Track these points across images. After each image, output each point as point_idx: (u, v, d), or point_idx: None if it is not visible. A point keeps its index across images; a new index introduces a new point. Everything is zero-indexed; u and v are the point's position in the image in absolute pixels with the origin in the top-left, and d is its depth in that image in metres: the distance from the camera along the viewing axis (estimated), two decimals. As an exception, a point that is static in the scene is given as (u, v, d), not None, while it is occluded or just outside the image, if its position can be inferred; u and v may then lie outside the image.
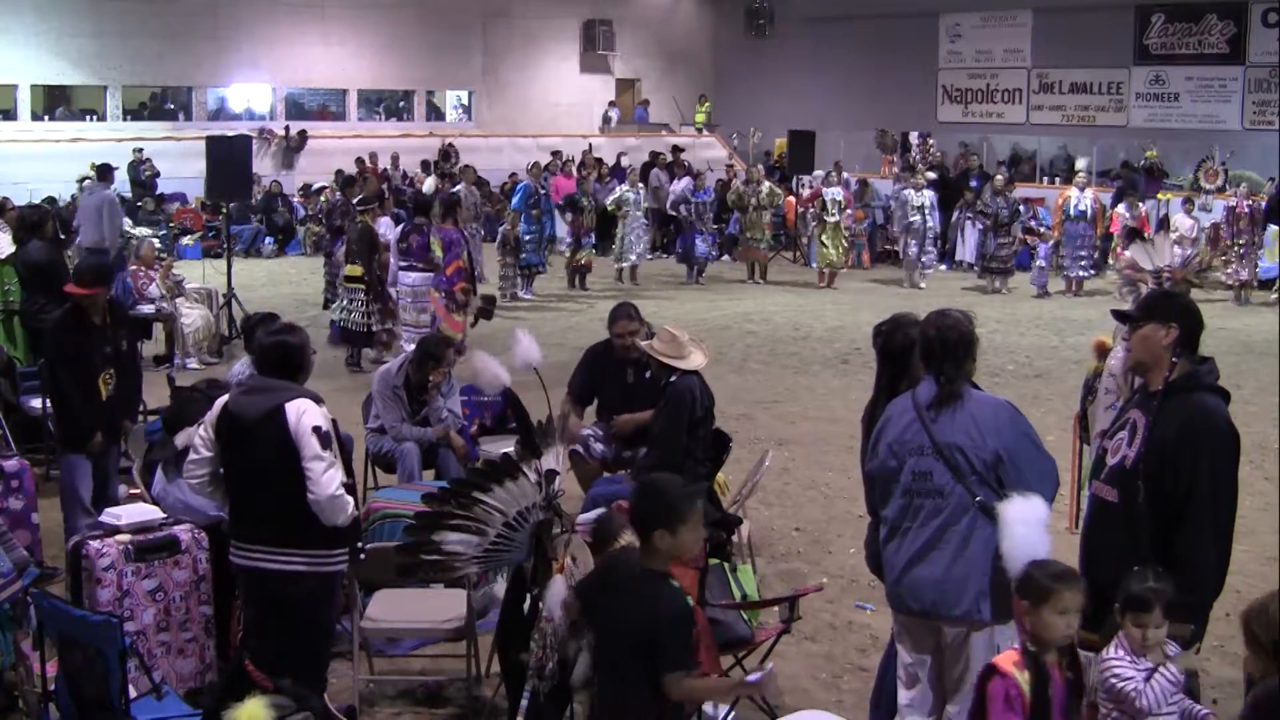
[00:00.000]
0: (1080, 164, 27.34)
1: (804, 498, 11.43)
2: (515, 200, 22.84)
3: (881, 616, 7.27)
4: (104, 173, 20.75)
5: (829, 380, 16.13)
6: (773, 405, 14.75)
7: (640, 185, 25.91)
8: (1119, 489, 5.55)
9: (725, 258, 27.50)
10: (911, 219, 24.48)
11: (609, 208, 25.37)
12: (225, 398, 6.63)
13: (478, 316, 16.50)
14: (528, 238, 22.29)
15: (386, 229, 16.87)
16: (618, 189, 25.77)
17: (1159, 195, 26.88)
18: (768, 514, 10.83)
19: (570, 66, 39.31)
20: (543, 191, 23.07)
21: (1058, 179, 31.89)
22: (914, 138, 34.44)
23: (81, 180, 25.34)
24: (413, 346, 14.99)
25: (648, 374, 9.27)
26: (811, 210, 25.65)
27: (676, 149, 32.86)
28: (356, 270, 16.48)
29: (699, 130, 39.44)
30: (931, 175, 26.20)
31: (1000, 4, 35.40)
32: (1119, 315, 6.13)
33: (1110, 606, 5.22)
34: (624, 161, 31.47)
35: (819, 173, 27.36)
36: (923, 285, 23.95)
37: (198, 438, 6.58)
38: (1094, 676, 5.86)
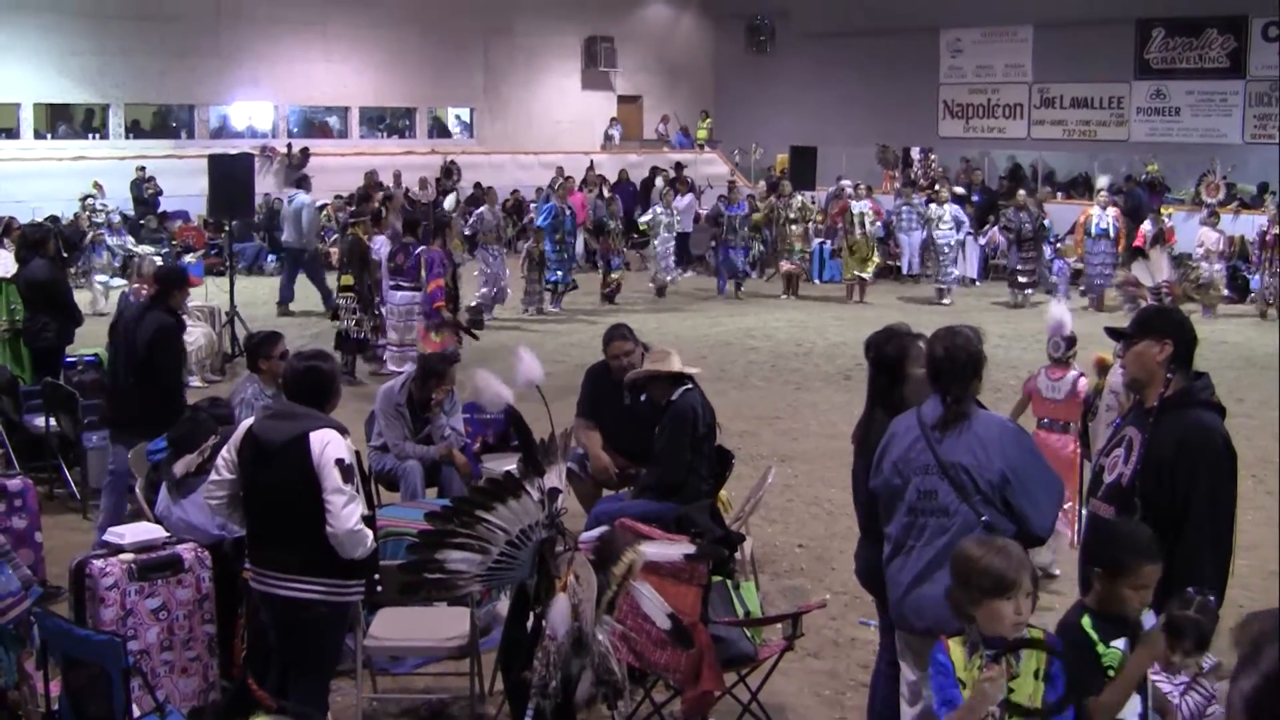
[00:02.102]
0: (1101, 182, 27.30)
1: (807, 514, 11.44)
2: (541, 219, 23.07)
3: (884, 633, 7.27)
4: (302, 181, 23.73)
5: (831, 396, 16.13)
6: (775, 421, 14.76)
7: (674, 206, 26.18)
8: (1116, 506, 5.55)
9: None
10: (936, 233, 24.50)
11: (642, 227, 25.87)
12: (250, 420, 6.65)
13: (467, 331, 16.52)
14: (553, 256, 22.53)
15: (382, 247, 16.90)
16: (651, 209, 26.06)
17: (1161, 210, 26.89)
18: (770, 530, 10.84)
19: (572, 83, 39.41)
20: (569, 212, 23.26)
21: (1059, 194, 31.93)
22: (915, 153, 34.50)
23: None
24: (398, 365, 15.31)
25: (643, 396, 9.31)
26: (841, 224, 25.68)
27: (679, 165, 32.90)
28: (348, 279, 16.88)
29: (700, 146, 39.50)
30: (960, 190, 26.14)
31: (1001, 19, 35.44)
32: (1113, 332, 6.13)
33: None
34: (658, 181, 31.42)
35: (846, 183, 27.33)
36: (947, 301, 23.88)
37: (221, 459, 6.59)
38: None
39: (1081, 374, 9.73)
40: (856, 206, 24.93)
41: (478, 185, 30.14)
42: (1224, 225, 24.33)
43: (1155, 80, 33.21)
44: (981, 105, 36.63)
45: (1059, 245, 24.64)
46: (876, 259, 25.05)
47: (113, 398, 10.72)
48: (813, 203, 27.80)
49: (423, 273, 15.65)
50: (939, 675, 4.76)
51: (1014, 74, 35.78)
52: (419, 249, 15.94)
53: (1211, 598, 5.11)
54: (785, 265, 25.66)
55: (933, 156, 33.90)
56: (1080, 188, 32.09)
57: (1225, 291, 23.15)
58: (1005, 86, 36.05)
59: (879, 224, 25.44)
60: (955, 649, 4.77)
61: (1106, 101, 34.20)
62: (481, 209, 22.93)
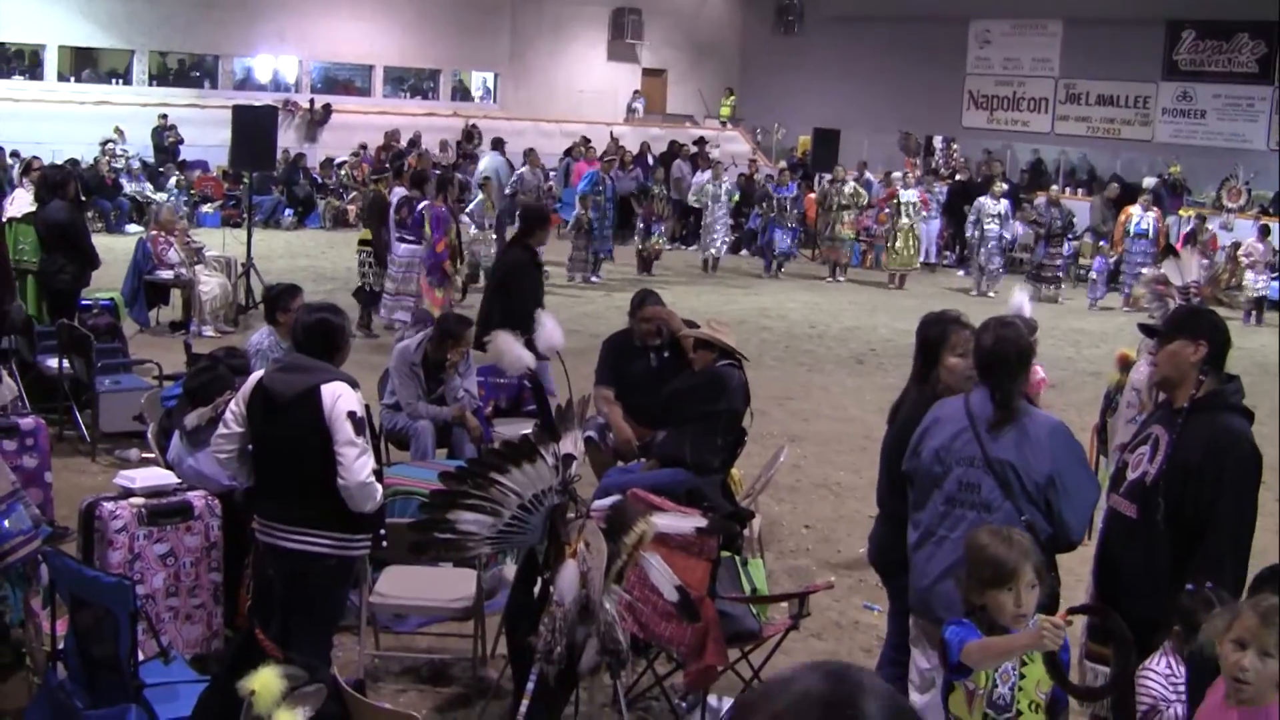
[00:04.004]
0: (1147, 183, 27.16)
1: (814, 495, 11.43)
2: (583, 185, 23.29)
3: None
4: (497, 143, 25.82)
5: (843, 379, 16.11)
6: (786, 402, 14.73)
7: (725, 178, 26.37)
8: (1138, 504, 5.51)
9: (744, 251, 27.60)
10: (988, 227, 24.36)
11: (691, 200, 25.95)
12: (260, 373, 6.61)
13: (466, 285, 16.73)
14: (595, 226, 22.68)
15: (397, 197, 17.06)
16: (699, 179, 26.25)
17: (1180, 212, 26.79)
18: (778, 510, 10.82)
19: (597, 54, 39.27)
20: (610, 180, 23.38)
21: (1080, 190, 31.75)
22: (938, 142, 34.37)
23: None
24: (399, 315, 15.45)
25: (666, 354, 9.30)
26: (887, 210, 25.70)
27: (701, 141, 32.78)
28: (366, 234, 17.27)
29: (724, 123, 39.34)
30: (1004, 185, 26.10)
31: (1031, 12, 35.26)
32: (1147, 330, 6.08)
33: (1123, 619, 5.20)
34: (714, 153, 31.36)
35: (895, 175, 27.24)
36: (994, 293, 23.66)
37: (229, 412, 6.56)
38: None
39: (1037, 365, 9.63)
40: (904, 195, 24.97)
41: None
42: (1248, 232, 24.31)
43: (1182, 82, 33.02)
44: (1006, 98, 36.45)
45: (1102, 245, 24.69)
46: (910, 254, 24.99)
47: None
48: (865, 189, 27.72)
49: (427, 229, 15.71)
50: (957, 628, 4.74)
51: (1041, 68, 35.59)
52: (422, 203, 15.98)
53: (1209, 584, 5.06)
54: (829, 251, 25.77)
55: (955, 146, 33.78)
56: (1088, 184, 31.81)
57: (1255, 294, 23.04)
58: (1031, 80, 35.87)
59: (925, 214, 25.43)
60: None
61: (1132, 100, 34.02)
62: (523, 169, 23.48)
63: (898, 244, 24.91)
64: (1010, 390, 5.66)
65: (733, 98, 40.19)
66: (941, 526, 5.70)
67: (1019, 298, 9.73)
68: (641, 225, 24.75)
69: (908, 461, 5.93)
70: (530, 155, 24.49)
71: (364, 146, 30.97)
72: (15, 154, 25.33)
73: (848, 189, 25.55)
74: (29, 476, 8.54)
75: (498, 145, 25.15)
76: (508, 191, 23.25)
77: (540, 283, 11.64)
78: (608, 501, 7.00)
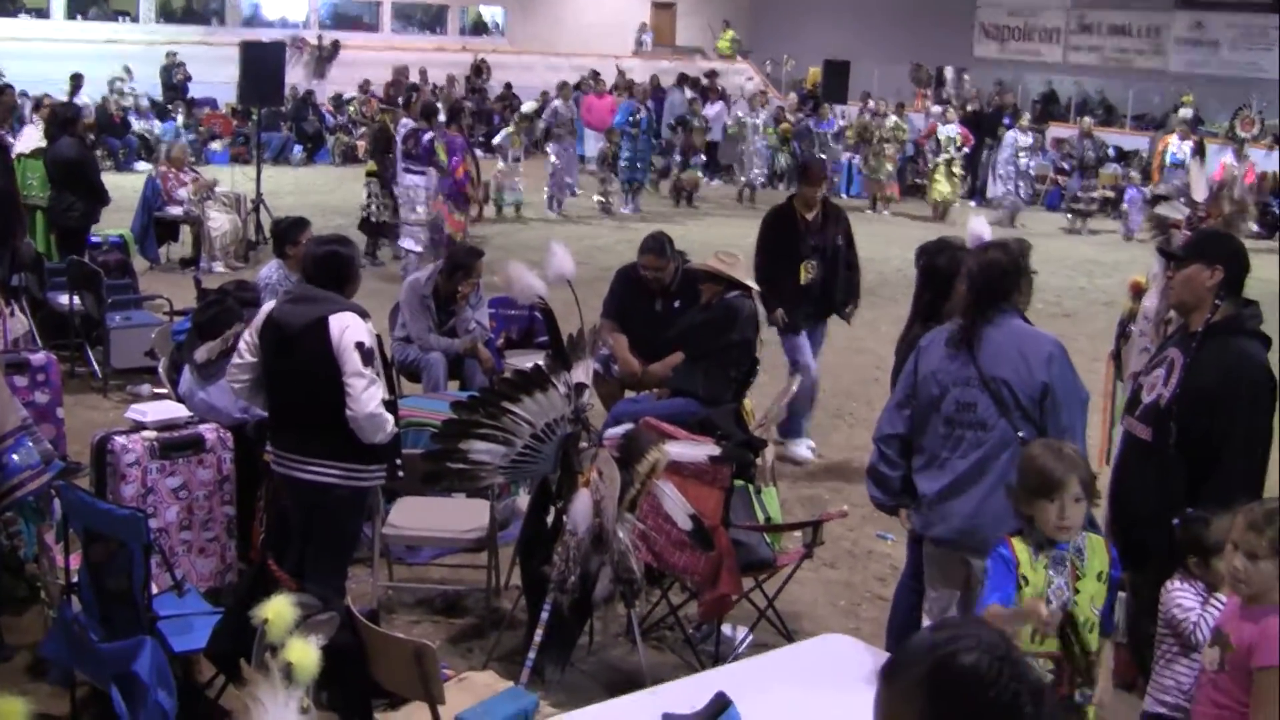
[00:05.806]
0: (1185, 114, 27.02)
1: (828, 425, 11.41)
2: (618, 118, 23.46)
3: (901, 547, 7.22)
4: (682, 80, 27.13)
5: (858, 311, 16.01)
6: (798, 333, 14.65)
7: (762, 109, 26.75)
8: (1153, 427, 5.48)
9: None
10: (1020, 160, 24.44)
11: (729, 130, 26.14)
12: (271, 304, 6.59)
13: (481, 209, 17.22)
14: (625, 155, 22.83)
15: (403, 127, 17.12)
16: (710, 111, 26.73)
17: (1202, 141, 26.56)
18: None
19: (606, -15, 39.06)
20: (644, 112, 23.50)
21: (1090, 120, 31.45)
22: (949, 73, 34.11)
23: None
24: (408, 243, 15.70)
25: (676, 304, 9.24)
26: (928, 147, 25.71)
27: (711, 74, 32.58)
28: (372, 166, 17.37)
29: (723, 57, 39.00)
30: (1027, 116, 26.05)
31: (1044, -60, 35.00)
32: (1165, 253, 6.02)
33: (1139, 542, 5.19)
34: (748, 86, 31.25)
35: (939, 110, 27.08)
36: (1021, 225, 23.53)
37: (243, 342, 6.54)
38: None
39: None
40: (944, 130, 24.89)
41: (507, 86, 29.95)
42: (1257, 160, 24.22)
43: (1196, 11, 32.67)
44: (1018, 28, 36.18)
45: (1133, 175, 24.78)
46: (953, 188, 24.91)
47: None
48: (840, 118, 27.55)
49: (442, 156, 15.67)
50: (999, 564, 4.71)
51: (1053, -2, 35.35)
52: (428, 134, 15.91)
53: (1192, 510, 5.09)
54: (870, 184, 25.84)
55: (966, 77, 33.53)
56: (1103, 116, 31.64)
57: (1254, 228, 22.89)
58: (1043, 10, 35.59)
59: (965, 149, 25.27)
60: (1019, 546, 4.71)
61: (1145, 30, 33.70)
62: (555, 102, 23.53)
63: (939, 178, 24.79)
64: (982, 309, 5.57)
65: (730, 31, 39.74)
66: (943, 449, 5.63)
67: (976, 223, 9.58)
68: (679, 157, 24.95)
69: (906, 383, 5.84)
70: (563, 88, 24.43)
71: (368, 82, 30.83)
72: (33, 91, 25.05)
73: (889, 122, 25.62)
74: (41, 412, 8.53)
75: (682, 83, 26.46)
76: (541, 124, 23.41)
77: (784, 236, 10.58)
78: (620, 430, 6.98)
